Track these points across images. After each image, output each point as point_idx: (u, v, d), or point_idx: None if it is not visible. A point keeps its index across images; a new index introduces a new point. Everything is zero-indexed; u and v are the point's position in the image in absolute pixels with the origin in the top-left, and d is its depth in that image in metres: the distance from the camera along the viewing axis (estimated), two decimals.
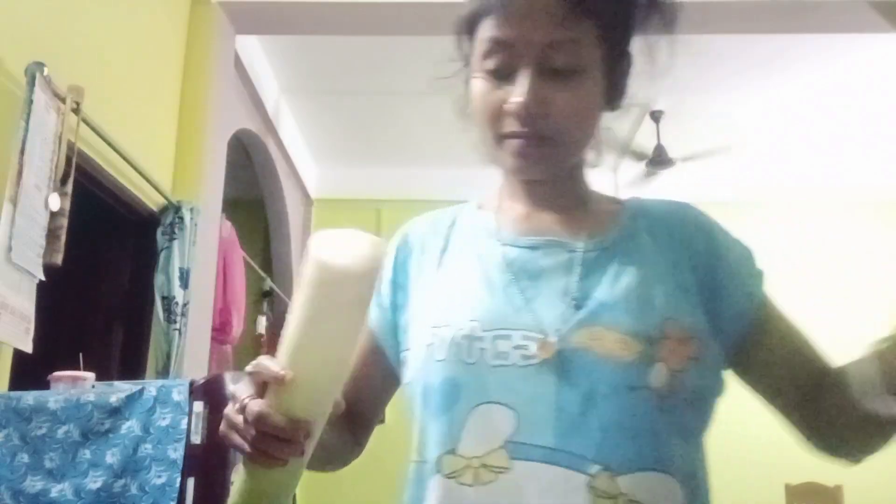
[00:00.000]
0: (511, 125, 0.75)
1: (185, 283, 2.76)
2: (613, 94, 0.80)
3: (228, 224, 3.68)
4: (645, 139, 4.74)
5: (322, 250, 0.62)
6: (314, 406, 0.63)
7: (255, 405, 0.61)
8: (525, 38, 0.73)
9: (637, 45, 0.80)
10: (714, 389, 0.77)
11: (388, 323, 0.85)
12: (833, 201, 5.43)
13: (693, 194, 5.74)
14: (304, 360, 0.62)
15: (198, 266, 2.87)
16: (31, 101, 1.93)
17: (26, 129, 1.91)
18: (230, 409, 0.64)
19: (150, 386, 1.73)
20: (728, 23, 3.34)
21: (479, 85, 0.77)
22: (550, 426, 0.68)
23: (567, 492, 0.66)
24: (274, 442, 0.61)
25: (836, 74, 4.17)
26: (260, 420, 0.60)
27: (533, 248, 0.79)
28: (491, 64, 0.76)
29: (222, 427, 0.65)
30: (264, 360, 0.63)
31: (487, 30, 0.76)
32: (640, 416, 0.68)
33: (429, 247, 0.86)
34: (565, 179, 0.83)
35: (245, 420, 0.62)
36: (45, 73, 2.00)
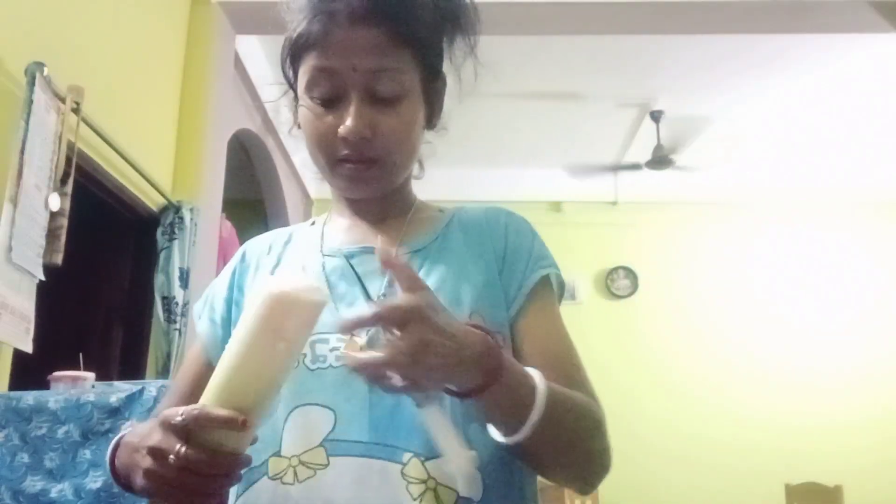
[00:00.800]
0: (342, 150, 0.80)
1: (185, 283, 2.76)
2: (431, 113, 0.87)
3: (228, 224, 3.68)
4: (645, 139, 4.75)
5: (272, 285, 0.65)
6: (245, 439, 0.64)
7: (199, 455, 0.61)
8: (349, 67, 0.77)
9: (446, 65, 0.86)
10: None
11: (218, 338, 0.87)
12: (833, 201, 5.43)
13: (694, 195, 5.78)
14: (240, 391, 0.63)
15: (198, 266, 2.87)
16: (31, 101, 1.93)
17: (26, 129, 1.91)
18: (159, 467, 0.63)
19: (150, 386, 1.73)
20: (728, 23, 3.34)
21: (307, 113, 0.82)
22: (365, 422, 0.73)
23: (382, 482, 0.71)
24: (222, 481, 0.62)
25: (836, 74, 4.17)
26: (213, 466, 0.61)
27: (349, 256, 0.84)
28: (317, 92, 0.80)
29: (147, 482, 0.64)
30: (207, 410, 0.62)
31: (312, 59, 0.79)
32: (444, 403, 0.70)
33: (263, 263, 0.90)
34: (388, 195, 0.88)
35: (177, 464, 0.61)
36: (45, 73, 2.00)
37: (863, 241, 5.40)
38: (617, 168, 5.16)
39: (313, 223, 0.94)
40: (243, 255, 0.92)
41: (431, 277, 0.80)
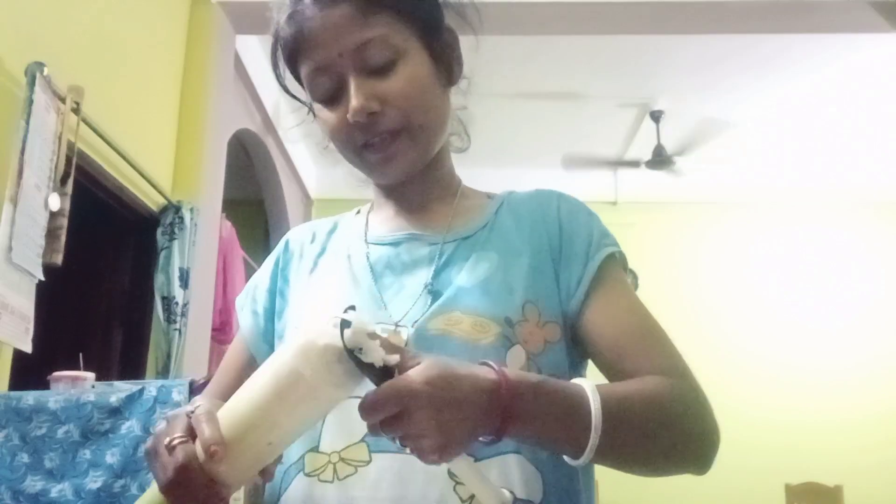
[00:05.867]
0: (361, 137, 0.77)
1: (185, 283, 2.76)
2: (445, 69, 0.81)
3: (228, 224, 3.68)
4: (645, 139, 4.75)
5: (318, 334, 0.57)
6: (242, 474, 0.60)
7: (182, 454, 0.57)
8: (335, 55, 0.75)
9: (449, 15, 0.82)
10: (572, 373, 0.75)
11: (260, 330, 0.84)
12: (833, 202, 5.43)
13: (694, 195, 5.77)
14: (251, 436, 0.58)
15: (198, 266, 2.87)
16: (31, 101, 1.93)
17: (26, 129, 1.91)
18: (161, 440, 0.59)
19: (150, 386, 1.73)
20: (728, 23, 3.34)
21: (322, 114, 0.79)
22: None
23: (427, 480, 0.67)
24: (187, 494, 0.57)
25: (836, 74, 4.17)
26: (182, 472, 0.56)
27: (395, 244, 0.81)
28: (319, 93, 0.77)
29: (149, 446, 0.60)
30: (205, 422, 0.58)
31: (302, 66, 0.77)
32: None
33: (307, 253, 0.87)
34: (428, 176, 0.83)
35: (168, 460, 0.58)
36: (45, 73, 2.00)
37: (863, 241, 5.40)
38: (617, 168, 5.16)
39: (358, 212, 0.91)
40: (287, 245, 0.89)
41: (482, 264, 0.76)
